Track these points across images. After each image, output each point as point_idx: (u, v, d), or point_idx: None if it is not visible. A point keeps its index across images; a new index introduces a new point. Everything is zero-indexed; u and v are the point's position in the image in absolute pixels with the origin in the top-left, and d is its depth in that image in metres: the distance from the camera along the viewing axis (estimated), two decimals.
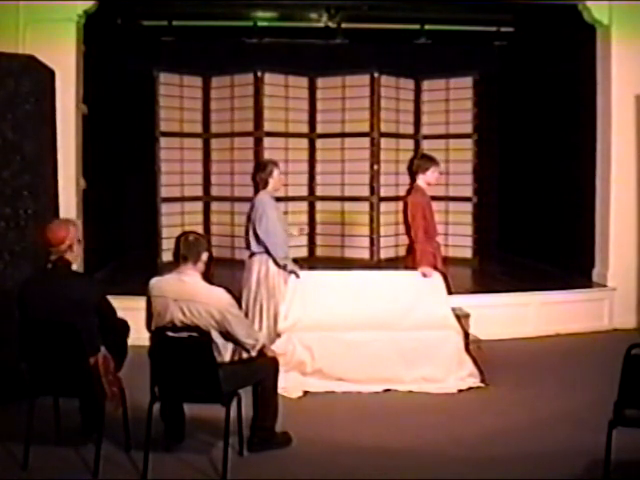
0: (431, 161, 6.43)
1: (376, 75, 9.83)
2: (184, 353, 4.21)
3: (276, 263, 6.10)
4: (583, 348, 7.18)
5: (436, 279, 6.20)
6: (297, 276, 6.16)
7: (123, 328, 4.70)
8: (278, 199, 6.62)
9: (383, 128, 9.94)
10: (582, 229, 8.65)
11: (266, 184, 6.18)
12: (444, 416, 5.30)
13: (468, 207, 10.19)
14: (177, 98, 9.95)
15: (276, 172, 6.18)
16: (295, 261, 6.36)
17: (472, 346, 6.08)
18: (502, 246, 11.13)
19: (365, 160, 9.93)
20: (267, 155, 9.68)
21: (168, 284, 4.39)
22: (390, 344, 5.87)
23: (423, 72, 10.37)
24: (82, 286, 4.44)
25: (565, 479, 4.18)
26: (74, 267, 4.55)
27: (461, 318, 6.21)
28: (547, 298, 7.79)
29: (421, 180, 6.32)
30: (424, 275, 6.16)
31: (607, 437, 3.89)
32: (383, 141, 9.96)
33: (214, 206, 10.15)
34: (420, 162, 6.50)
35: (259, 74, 9.72)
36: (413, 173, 6.38)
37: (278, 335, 5.97)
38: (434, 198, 6.67)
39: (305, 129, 10.24)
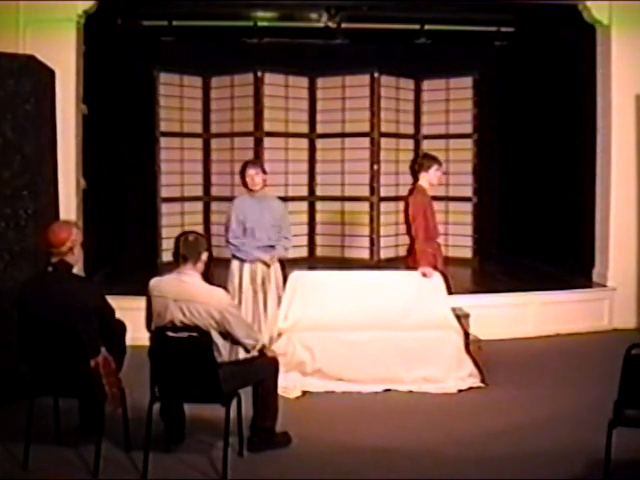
0: (433, 160, 6.43)
1: (376, 75, 9.85)
2: (184, 353, 4.21)
3: (242, 261, 6.16)
4: (583, 348, 7.18)
5: (436, 279, 6.20)
6: (266, 265, 6.17)
7: (121, 329, 4.70)
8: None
9: (383, 128, 9.95)
10: (582, 229, 8.65)
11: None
12: (444, 416, 5.30)
13: (468, 207, 10.20)
14: (177, 98, 9.96)
15: (246, 171, 6.20)
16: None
17: (472, 346, 6.08)
18: (502, 246, 11.13)
19: (365, 160, 9.94)
20: (267, 155, 9.71)
21: (168, 284, 4.39)
22: (390, 344, 5.87)
23: (423, 72, 10.38)
24: (83, 291, 4.43)
25: (565, 479, 4.18)
26: (74, 270, 4.55)
27: (461, 318, 6.21)
28: (547, 298, 7.79)
29: (423, 179, 6.31)
30: (424, 275, 6.16)
31: (607, 437, 3.89)
32: (383, 141, 9.97)
33: (214, 206, 10.15)
34: (422, 161, 6.50)
35: (259, 74, 9.73)
36: (415, 172, 6.37)
37: (279, 335, 5.97)
38: (434, 198, 6.66)
39: (305, 129, 10.24)
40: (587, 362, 6.62)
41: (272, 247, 6.23)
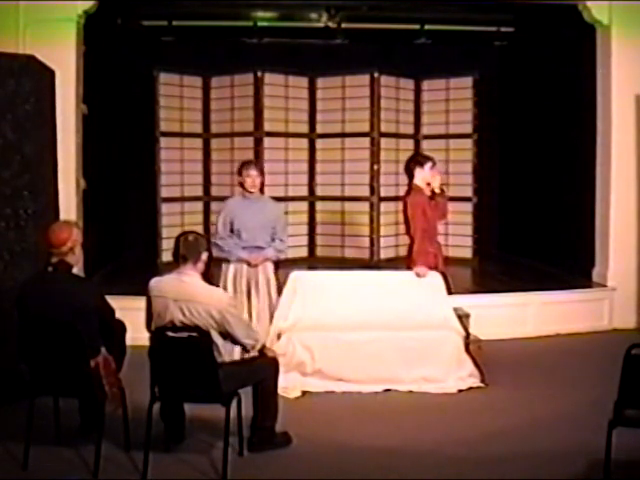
0: (426, 157, 6.45)
1: (376, 75, 9.84)
2: (184, 353, 4.21)
3: (228, 261, 6.15)
4: (583, 348, 7.17)
5: (436, 279, 6.20)
6: (249, 264, 6.10)
7: (121, 329, 4.70)
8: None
9: (383, 128, 9.95)
10: (582, 229, 8.65)
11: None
12: (444, 416, 5.30)
13: (468, 207, 10.19)
14: (177, 98, 9.95)
15: (248, 171, 6.12)
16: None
17: (472, 346, 6.08)
18: (502, 246, 11.13)
19: (365, 160, 9.93)
20: (267, 155, 9.71)
21: (168, 284, 4.39)
22: (390, 344, 5.87)
23: (423, 72, 10.38)
24: (83, 291, 4.43)
25: (565, 479, 4.18)
26: (75, 270, 4.55)
27: (461, 318, 6.21)
28: (547, 298, 7.79)
29: (419, 177, 6.27)
30: (418, 275, 6.15)
31: (607, 437, 3.89)
32: (383, 141, 9.96)
33: (214, 206, 10.12)
34: (417, 158, 6.54)
35: (259, 74, 9.73)
36: (410, 171, 6.35)
37: (279, 335, 5.97)
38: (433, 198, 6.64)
39: (305, 129, 10.24)
40: (587, 362, 6.62)
41: (262, 248, 6.13)
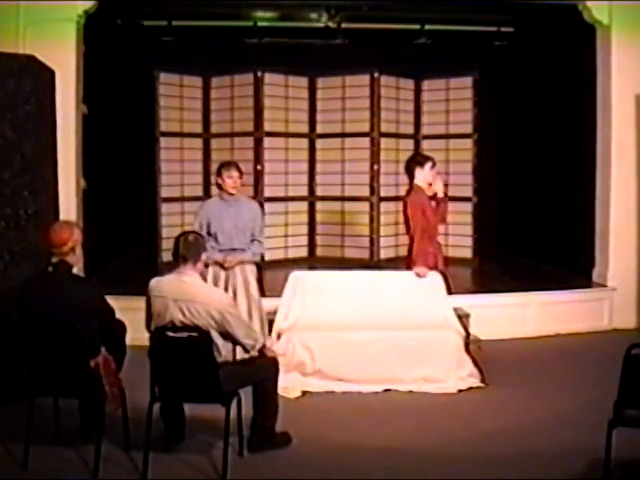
0: (426, 157, 6.45)
1: (376, 75, 9.84)
2: (184, 353, 4.21)
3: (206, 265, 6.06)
4: (583, 348, 7.17)
5: (436, 279, 6.20)
6: (221, 266, 6.01)
7: (121, 329, 4.70)
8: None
9: (383, 128, 9.95)
10: (582, 229, 8.65)
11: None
12: (444, 416, 5.30)
13: (468, 207, 10.19)
14: (177, 98, 9.95)
15: (229, 172, 6.03)
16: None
17: (472, 346, 6.08)
18: (502, 246, 11.12)
19: (365, 160, 9.93)
20: (267, 155, 9.71)
21: (168, 284, 4.39)
22: (390, 344, 5.87)
23: (423, 72, 10.38)
24: (83, 291, 4.43)
25: (565, 479, 4.18)
26: (75, 270, 4.55)
27: (461, 318, 6.22)
28: (547, 298, 7.79)
29: (419, 178, 6.26)
30: (418, 275, 6.14)
31: (607, 437, 3.89)
32: (383, 141, 9.96)
33: None
34: (417, 158, 6.54)
35: (259, 74, 9.72)
36: (411, 171, 6.35)
37: (278, 337, 5.97)
38: (432, 198, 6.64)
39: (305, 129, 10.24)
40: (587, 362, 6.62)
41: (239, 250, 6.03)
